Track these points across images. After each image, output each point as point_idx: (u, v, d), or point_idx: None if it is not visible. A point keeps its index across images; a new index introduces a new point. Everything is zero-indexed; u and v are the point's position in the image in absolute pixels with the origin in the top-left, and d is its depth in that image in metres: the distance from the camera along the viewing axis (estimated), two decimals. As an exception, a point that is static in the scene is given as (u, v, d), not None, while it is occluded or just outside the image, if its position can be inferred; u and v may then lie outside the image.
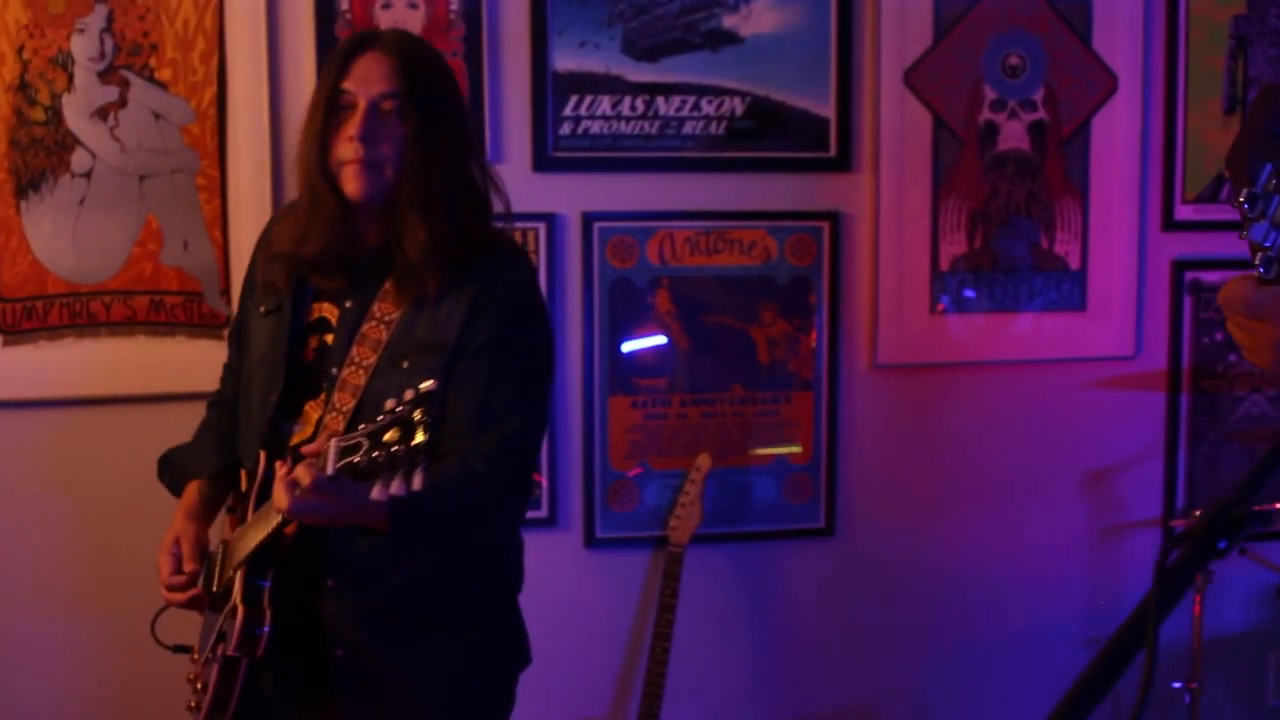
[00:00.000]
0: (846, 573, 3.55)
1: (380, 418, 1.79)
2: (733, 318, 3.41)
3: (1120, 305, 3.59)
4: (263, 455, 2.19)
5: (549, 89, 3.26)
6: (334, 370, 2.19)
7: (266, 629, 2.13)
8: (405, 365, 2.14)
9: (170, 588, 2.26)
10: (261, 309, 2.30)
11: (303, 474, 1.87)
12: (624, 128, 3.31)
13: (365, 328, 2.18)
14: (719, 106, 3.35)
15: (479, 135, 2.28)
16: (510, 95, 3.26)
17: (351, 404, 2.14)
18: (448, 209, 2.15)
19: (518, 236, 3.28)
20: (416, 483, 1.76)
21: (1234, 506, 1.03)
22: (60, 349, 3.14)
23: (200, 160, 3.17)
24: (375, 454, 1.77)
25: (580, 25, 3.27)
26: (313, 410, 2.22)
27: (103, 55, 3.11)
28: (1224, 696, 3.64)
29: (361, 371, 2.15)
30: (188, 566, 2.25)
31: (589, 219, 3.32)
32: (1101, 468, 3.66)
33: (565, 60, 3.27)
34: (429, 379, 1.94)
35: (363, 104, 2.13)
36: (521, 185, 3.29)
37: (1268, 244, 1.30)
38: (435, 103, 2.17)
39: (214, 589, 2.26)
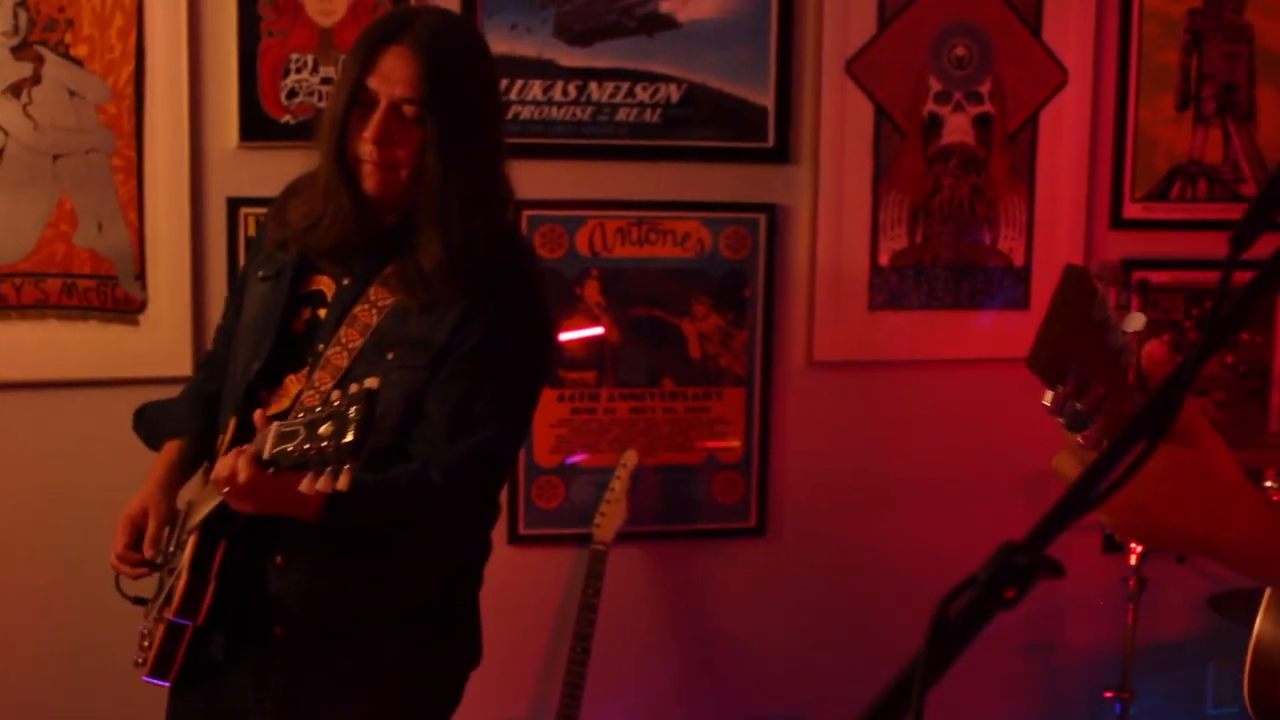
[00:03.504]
0: (778, 573, 3.48)
1: (319, 409, 1.77)
2: (664, 311, 3.33)
3: (1065, 304, 3.51)
4: (233, 422, 2.16)
5: (477, 73, 3.18)
6: (320, 347, 2.16)
7: (209, 598, 2.11)
8: (390, 357, 2.12)
9: (121, 559, 2.25)
10: (261, 273, 2.27)
11: (240, 462, 1.88)
12: (555, 113, 3.23)
13: (357, 309, 2.15)
14: (654, 94, 3.26)
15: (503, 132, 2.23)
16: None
17: (329, 385, 2.11)
18: (465, 221, 2.09)
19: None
20: (341, 483, 1.74)
21: (1023, 552, 0.94)
22: (-32, 332, 3.07)
23: (116, 140, 3.08)
24: (308, 446, 1.76)
25: (512, 8, 3.18)
26: (293, 383, 2.19)
27: (16, 30, 3.02)
28: (1162, 706, 3.58)
29: (346, 354, 2.13)
30: (147, 552, 2.24)
31: (518, 207, 3.22)
32: (1040, 471, 3.58)
33: (496, 44, 3.16)
34: (409, 375, 2.06)
35: (383, 104, 2.08)
36: (448, 171, 3.23)
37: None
38: (461, 108, 2.11)
39: (170, 549, 2.26)
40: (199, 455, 2.37)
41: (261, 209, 3.10)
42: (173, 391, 2.81)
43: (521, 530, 3.33)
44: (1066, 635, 3.67)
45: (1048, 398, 1.22)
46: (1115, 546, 3.61)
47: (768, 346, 3.38)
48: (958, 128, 3.41)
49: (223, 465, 1.93)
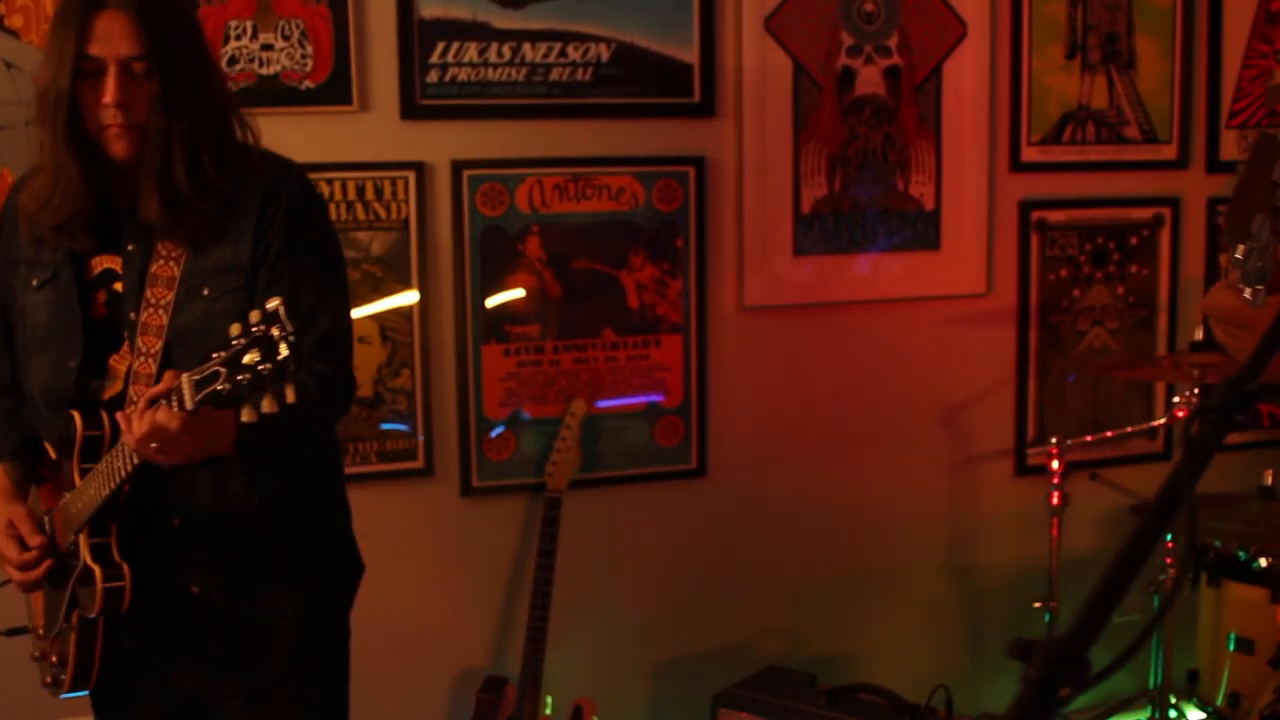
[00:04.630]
0: (719, 512, 3.62)
1: (235, 342, 1.78)
2: (602, 263, 3.44)
3: (972, 244, 3.73)
4: (77, 416, 2.15)
5: (415, 36, 3.24)
6: (131, 315, 2.16)
7: (125, 582, 2.12)
8: (206, 293, 2.13)
9: (23, 566, 2.21)
10: (34, 282, 2.23)
11: (167, 417, 1.87)
12: (491, 75, 3.31)
13: (154, 267, 2.15)
14: (585, 53, 3.36)
15: (226, 87, 2.25)
16: (376, 43, 3.23)
17: (158, 345, 2.12)
18: (188, 170, 2.10)
19: (387, 187, 3.27)
20: (290, 396, 1.78)
21: (1245, 381, 1.13)
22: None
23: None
24: (239, 377, 1.78)
25: (444, -28, 3.25)
26: (118, 363, 2.19)
27: (-53, 3, 2.99)
28: (1068, 616, 3.81)
29: (161, 310, 2.13)
30: (33, 541, 2.21)
31: (458, 167, 3.31)
32: (957, 402, 3.81)
33: (431, 7, 3.25)
34: (232, 300, 2.09)
35: (113, 68, 2.07)
36: (390, 134, 3.28)
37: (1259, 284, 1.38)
38: (183, 56, 2.13)
39: (58, 554, 2.23)
40: (25, 473, 2.32)
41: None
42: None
43: (475, 483, 3.41)
44: (984, 558, 3.89)
45: (1239, 250, 1.36)
46: (1028, 470, 3.86)
47: (701, 294, 3.52)
48: (869, 80, 3.59)
49: (141, 425, 1.90)
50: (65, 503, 2.18)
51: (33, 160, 2.26)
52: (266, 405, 1.78)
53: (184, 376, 1.84)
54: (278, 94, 3.16)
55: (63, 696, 2.28)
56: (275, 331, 1.77)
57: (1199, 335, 3.36)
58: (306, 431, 2.20)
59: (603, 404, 3.48)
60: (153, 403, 1.89)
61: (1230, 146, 3.94)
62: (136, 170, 2.11)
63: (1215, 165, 3.93)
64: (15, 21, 3.02)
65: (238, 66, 3.14)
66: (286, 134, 3.13)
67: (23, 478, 2.32)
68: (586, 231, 3.42)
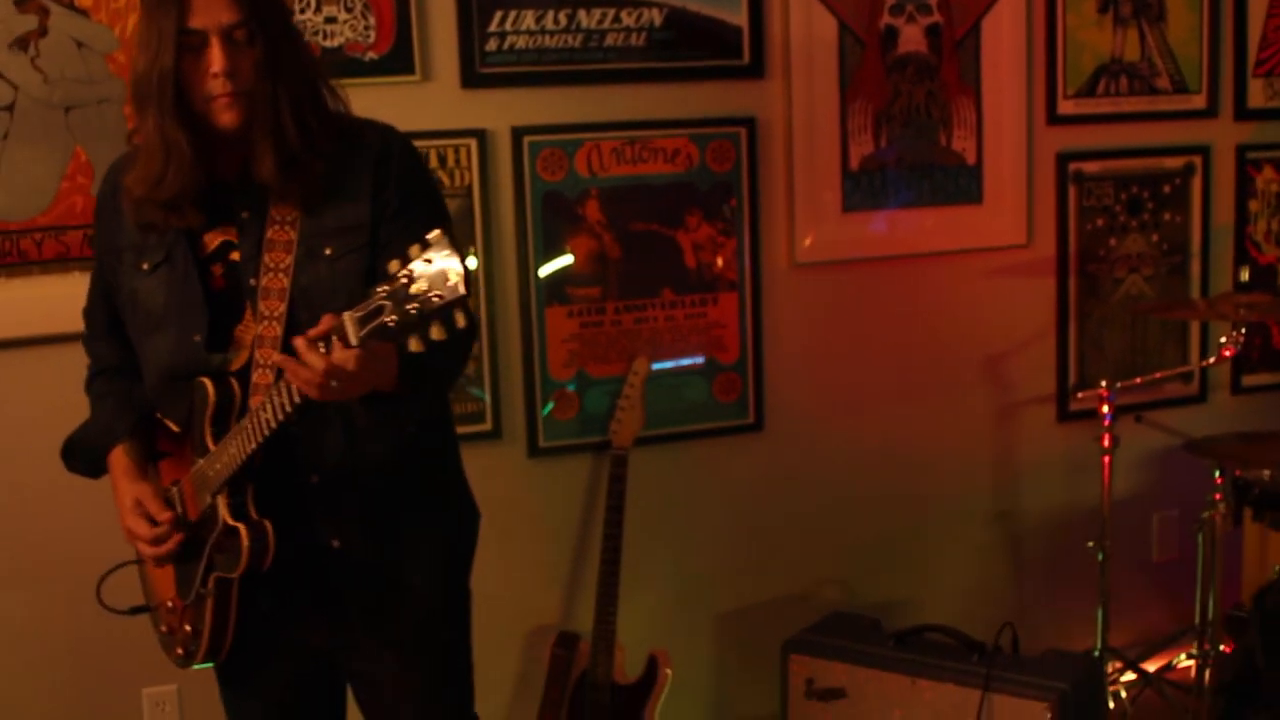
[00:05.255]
0: (776, 465, 3.71)
1: (401, 275, 1.80)
2: (660, 224, 3.52)
3: (1012, 197, 3.82)
4: (209, 383, 2.19)
5: (474, 5, 3.30)
6: (251, 282, 2.20)
7: (269, 537, 2.15)
8: (328, 252, 2.18)
9: (155, 541, 2.25)
10: (144, 265, 2.27)
11: (339, 355, 1.88)
12: (548, 42, 3.37)
13: (270, 233, 2.19)
14: (638, 19, 3.43)
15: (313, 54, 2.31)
16: (436, 12, 3.28)
17: (281, 307, 2.16)
18: (298, 129, 2.15)
19: (450, 155, 3.32)
20: (460, 320, 1.80)
21: None
22: (-8, 290, 3.07)
23: (127, 89, 3.10)
24: (409, 308, 1.79)
25: (500, -59, 3.31)
26: (243, 333, 2.23)
27: (17, -17, 3.02)
28: (1115, 556, 3.91)
29: (281, 274, 2.18)
30: (162, 517, 2.25)
31: (518, 133, 3.37)
32: (1000, 351, 3.90)
33: (488, -23, 3.31)
34: (356, 258, 2.13)
35: (216, 38, 2.11)
36: (451, 102, 3.34)
37: None
38: (277, 23, 2.18)
39: (187, 529, 2.27)
40: (144, 452, 2.36)
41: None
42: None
43: (541, 444, 3.48)
44: (1029, 502, 4.00)
45: None
46: (1070, 416, 3.96)
47: (756, 252, 3.59)
48: (911, 38, 3.67)
49: (318, 361, 1.90)
50: (198, 469, 2.22)
51: (124, 146, 2.30)
52: (435, 333, 1.81)
53: (345, 315, 1.86)
54: (342, 66, 3.20)
55: (194, 667, 2.33)
56: (444, 260, 1.79)
57: (1245, 276, 3.46)
58: (456, 364, 2.26)
59: (661, 364, 3.55)
60: (313, 343, 1.91)
61: (1258, 94, 4.04)
62: (245, 138, 2.15)
63: (1243, 113, 4.04)
64: (85, 2, 3.06)
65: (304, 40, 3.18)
66: (351, 105, 3.21)
67: (142, 455, 2.36)
68: (644, 194, 3.49)
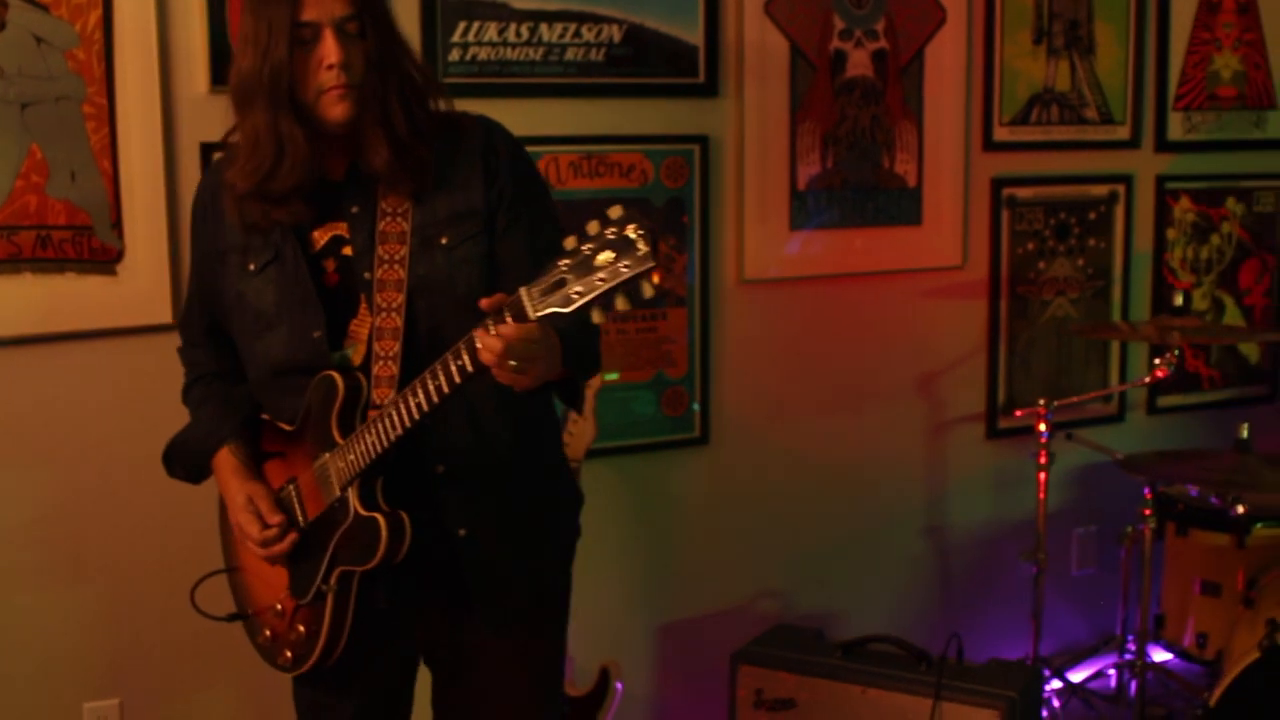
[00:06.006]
0: (721, 479, 3.76)
1: (584, 247, 1.80)
2: (614, 239, 3.54)
3: (949, 220, 3.93)
4: (338, 377, 2.17)
5: (438, 15, 3.29)
6: (366, 275, 2.20)
7: (406, 526, 2.14)
8: (444, 241, 2.18)
9: (265, 543, 2.24)
10: (250, 266, 2.26)
11: (528, 330, 1.87)
12: (510, 54, 3.38)
13: (382, 225, 2.20)
14: (598, 34, 3.46)
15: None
16: (400, 20, 3.23)
17: (400, 298, 2.16)
18: (406, 114, 2.17)
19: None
20: (648, 290, 1.81)
21: None
22: (-57, 289, 2.98)
23: (86, 87, 3.04)
24: (598, 278, 1.79)
25: (463, -48, 3.32)
26: (359, 326, 2.22)
27: (-26, -24, 2.94)
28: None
29: (397, 265, 2.17)
30: (273, 519, 2.24)
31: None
32: (934, 370, 4.01)
33: (453, -12, 3.31)
34: (474, 245, 2.15)
35: (329, 30, 2.12)
36: (413, 112, 3.33)
37: None
38: (383, 15, 2.21)
39: (302, 528, 2.26)
40: (249, 455, 2.35)
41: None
42: (156, 338, 2.94)
43: (494, 454, 3.48)
44: (959, 517, 4.11)
45: None
46: (999, 433, 4.08)
47: (705, 268, 3.64)
48: (859, 62, 3.76)
49: (504, 333, 1.87)
50: (322, 464, 2.20)
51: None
52: (620, 304, 1.81)
53: (521, 290, 1.85)
54: (307, 72, 3.18)
55: (296, 675, 2.31)
56: (631, 231, 1.79)
57: (1179, 300, 3.61)
58: (599, 348, 2.29)
59: (613, 376, 3.58)
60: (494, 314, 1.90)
61: (1177, 127, 4.22)
62: (352, 133, 2.16)
63: (1163, 145, 4.21)
64: (46, -4, 2.99)
65: (269, 44, 3.15)
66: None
67: (249, 457, 2.34)
68: (600, 208, 3.49)
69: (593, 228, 1.82)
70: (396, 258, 2.18)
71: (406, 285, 2.17)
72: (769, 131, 3.67)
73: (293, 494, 2.28)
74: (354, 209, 2.23)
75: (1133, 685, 3.75)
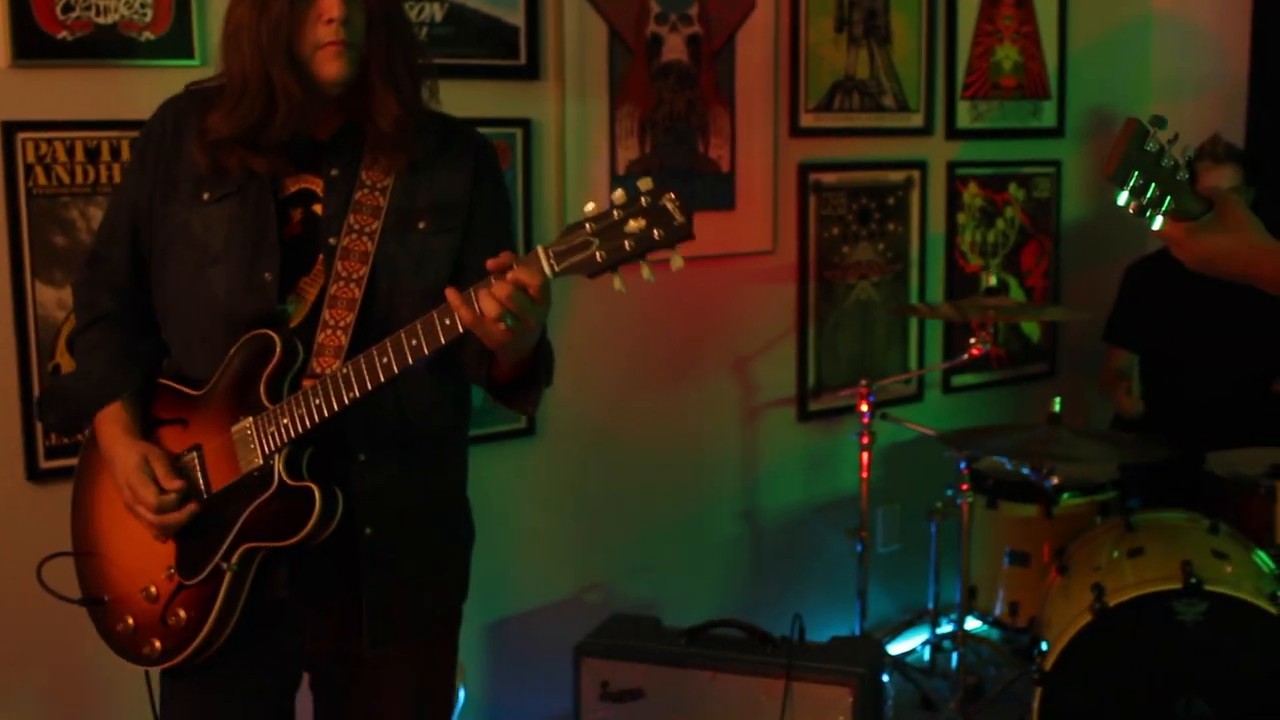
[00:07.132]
0: (549, 470, 3.69)
1: (616, 212, 1.81)
2: (439, 225, 3.42)
3: (761, 205, 3.96)
4: (276, 336, 2.04)
5: (254, -11, 3.11)
6: (331, 240, 2.11)
7: (338, 499, 2.02)
8: (422, 226, 2.15)
9: (161, 509, 2.07)
10: (205, 196, 2.12)
11: (531, 273, 1.88)
12: (329, 32, 3.22)
13: (359, 195, 2.12)
14: (419, 12, 3.33)
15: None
16: (215, -6, 3.08)
17: (363, 270, 2.09)
18: (412, 83, 2.15)
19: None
20: (678, 262, 1.84)
21: None
22: None
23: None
24: (626, 244, 1.81)
25: (276, -76, 3.13)
26: (308, 285, 2.11)
27: None
28: (844, 547, 4.10)
29: (366, 238, 2.10)
30: (170, 484, 2.08)
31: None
32: (748, 354, 4.04)
33: (264, -40, 3.12)
34: (450, 236, 2.15)
35: None
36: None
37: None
38: None
39: (204, 499, 2.10)
40: (139, 415, 2.19)
41: (42, 133, 2.90)
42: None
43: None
44: (774, 499, 4.15)
45: (1121, 197, 1.77)
46: (809, 416, 4.14)
47: (528, 254, 3.55)
48: (674, 47, 3.74)
49: (504, 288, 1.86)
50: (244, 428, 2.05)
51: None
52: (645, 273, 1.83)
53: (539, 248, 1.84)
54: (116, 45, 2.96)
55: (162, 669, 2.13)
56: (668, 201, 1.80)
57: (993, 281, 3.74)
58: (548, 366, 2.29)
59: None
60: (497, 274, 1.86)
61: (965, 115, 4.38)
62: (349, 93, 2.09)
63: (953, 133, 4.36)
64: None
65: (74, 15, 2.91)
66: (124, 89, 2.97)
67: (139, 418, 2.17)
68: (423, 193, 3.39)
69: (619, 196, 1.82)
70: (367, 230, 2.12)
71: (372, 259, 2.10)
72: (589, 115, 3.61)
73: (195, 462, 2.12)
74: (333, 171, 2.15)
75: (954, 657, 3.86)
